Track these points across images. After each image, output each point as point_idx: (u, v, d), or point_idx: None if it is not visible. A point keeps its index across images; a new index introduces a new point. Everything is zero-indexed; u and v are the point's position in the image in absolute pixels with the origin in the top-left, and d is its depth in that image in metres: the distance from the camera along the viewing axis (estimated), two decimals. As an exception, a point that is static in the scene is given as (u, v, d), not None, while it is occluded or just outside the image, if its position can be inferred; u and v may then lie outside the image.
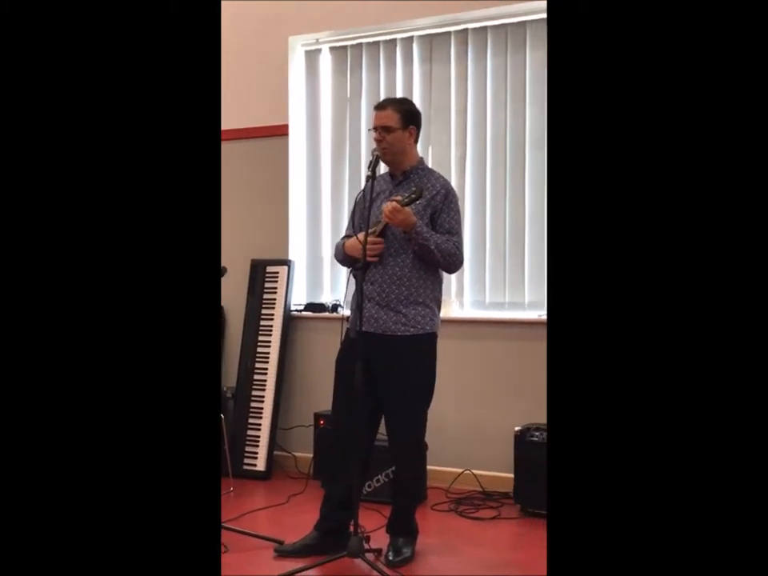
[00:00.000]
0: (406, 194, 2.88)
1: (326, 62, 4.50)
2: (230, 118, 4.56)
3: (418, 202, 2.89)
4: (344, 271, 3.16)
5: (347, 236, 3.11)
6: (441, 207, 2.98)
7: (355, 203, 3.17)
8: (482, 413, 3.98)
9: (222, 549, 3.00)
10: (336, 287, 4.43)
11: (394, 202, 2.84)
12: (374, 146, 3.00)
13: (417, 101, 4.21)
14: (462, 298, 4.18)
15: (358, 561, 2.77)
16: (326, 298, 4.46)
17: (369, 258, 2.88)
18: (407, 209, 2.84)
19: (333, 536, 2.90)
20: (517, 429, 3.62)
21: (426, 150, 4.21)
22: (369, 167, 2.93)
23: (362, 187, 3.17)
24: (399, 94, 4.22)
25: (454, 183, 4.09)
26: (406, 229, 2.87)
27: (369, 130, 3.07)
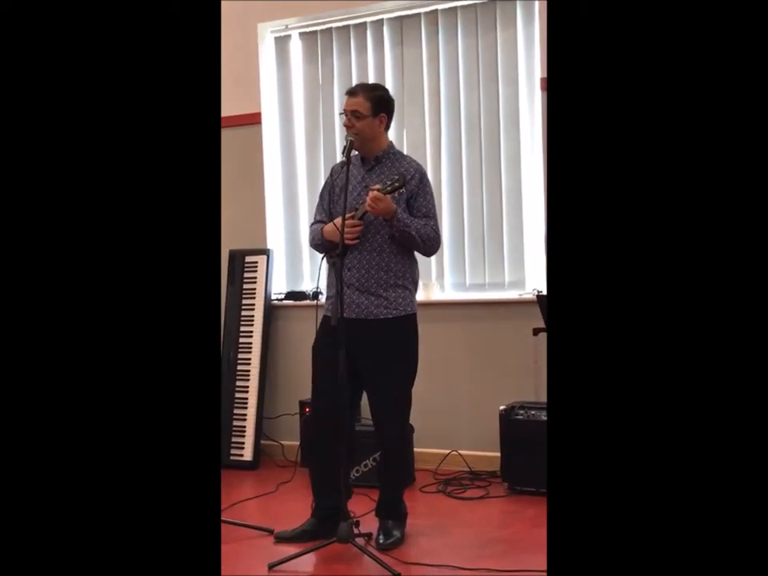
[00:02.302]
0: (388, 182, 2.86)
1: (296, 48, 4.46)
2: (202, 108, 4.52)
3: (401, 192, 2.88)
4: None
5: (319, 221, 3.09)
6: (416, 191, 2.98)
7: (324, 187, 3.15)
8: (467, 393, 4.00)
9: (213, 540, 3.02)
10: (316, 275, 4.41)
11: (376, 191, 2.83)
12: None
13: (389, 84, 4.19)
14: (442, 281, 4.18)
15: (349, 545, 2.78)
16: (307, 286, 4.45)
17: (348, 242, 2.87)
18: (387, 197, 2.84)
19: (330, 523, 2.89)
20: (502, 408, 3.64)
21: (401, 133, 4.20)
22: (343, 152, 2.91)
23: (331, 171, 3.16)
24: (371, 78, 4.20)
25: (429, 165, 4.10)
26: (387, 217, 2.86)
27: (339, 113, 3.06)
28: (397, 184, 2.84)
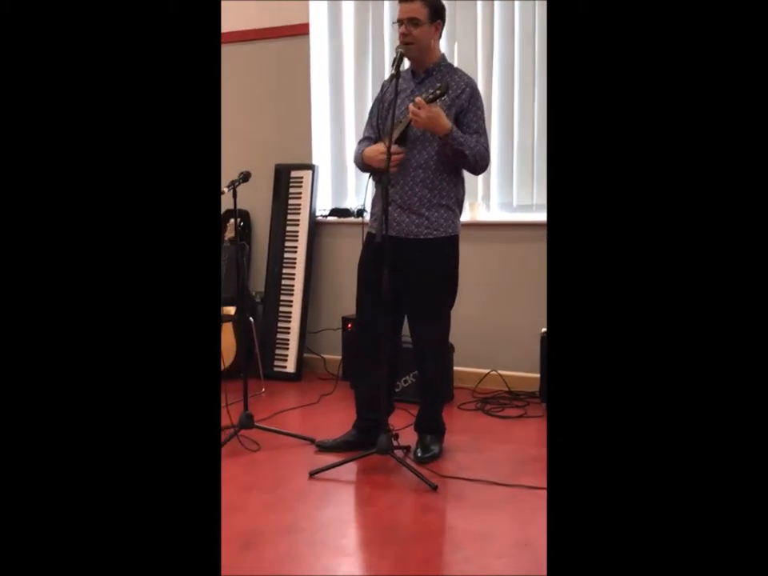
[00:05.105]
0: (431, 91, 2.81)
1: (346, -46, 4.32)
2: (250, 17, 4.43)
3: (443, 99, 2.82)
4: (367, 175, 3.12)
5: (367, 137, 3.06)
6: (467, 107, 2.90)
7: (374, 103, 3.10)
8: (509, 314, 4.00)
9: (254, 447, 3.12)
10: (360, 192, 4.39)
11: (419, 99, 2.77)
12: (398, 42, 2.90)
13: (441, -6, 4.05)
14: (488, 201, 4.13)
15: (388, 457, 2.85)
16: (351, 203, 4.43)
17: (391, 169, 2.82)
18: (439, 110, 2.77)
19: (370, 434, 2.95)
20: (543, 330, 3.63)
21: (452, 46, 4.08)
22: (393, 65, 2.84)
23: (381, 86, 3.09)
24: (423, -12, 4.05)
25: (480, 81, 3.99)
26: (440, 133, 2.80)
27: (393, 23, 2.97)
28: (438, 92, 2.77)
